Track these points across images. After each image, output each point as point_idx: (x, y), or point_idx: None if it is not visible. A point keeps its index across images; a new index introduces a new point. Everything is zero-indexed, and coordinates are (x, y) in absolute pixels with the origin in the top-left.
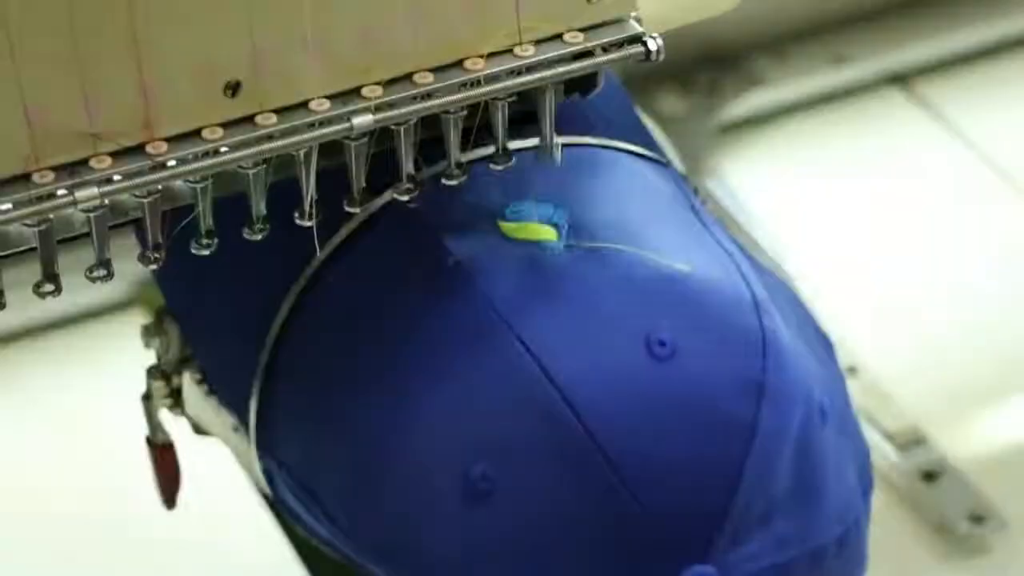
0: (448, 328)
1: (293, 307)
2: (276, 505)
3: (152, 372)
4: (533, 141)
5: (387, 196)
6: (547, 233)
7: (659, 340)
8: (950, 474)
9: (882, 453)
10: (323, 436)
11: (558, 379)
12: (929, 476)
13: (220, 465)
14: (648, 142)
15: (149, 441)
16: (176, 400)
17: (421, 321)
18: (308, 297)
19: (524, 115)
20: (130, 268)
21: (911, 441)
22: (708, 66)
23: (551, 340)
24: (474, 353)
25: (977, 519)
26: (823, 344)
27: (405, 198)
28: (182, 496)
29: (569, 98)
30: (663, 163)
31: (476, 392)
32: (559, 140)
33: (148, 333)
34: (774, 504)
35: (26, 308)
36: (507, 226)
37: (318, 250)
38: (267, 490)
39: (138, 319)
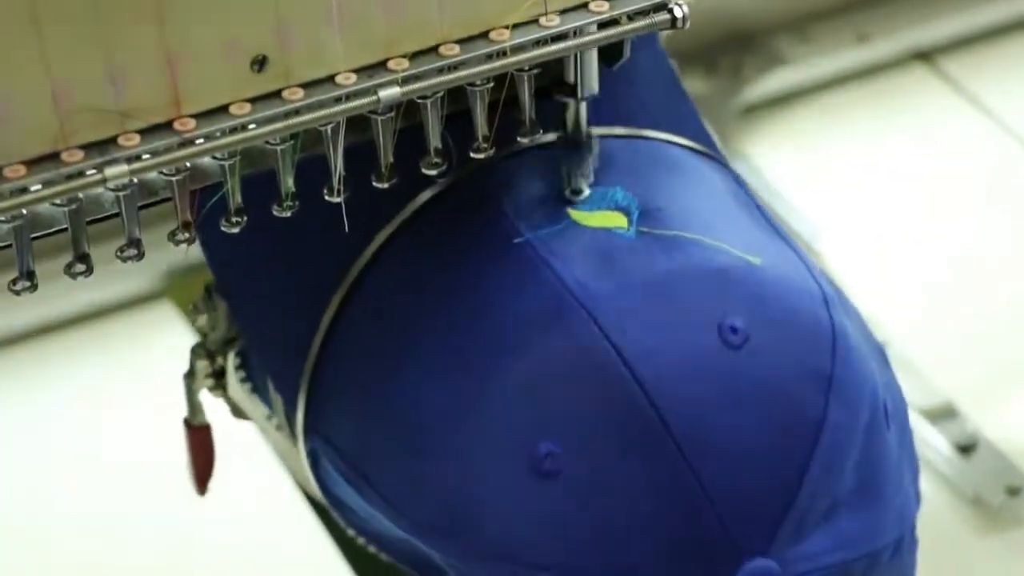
0: (519, 306)
1: (353, 283)
2: (320, 497)
3: (196, 351)
4: (606, 130)
5: (445, 179)
6: (618, 220)
7: (731, 327)
8: (984, 447)
9: (916, 428)
10: (380, 414)
11: (631, 361)
12: (964, 449)
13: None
14: (708, 140)
15: (186, 422)
16: (218, 381)
17: (490, 299)
18: (368, 273)
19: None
20: (158, 259)
21: (944, 415)
22: (731, 47)
23: (625, 322)
24: (546, 332)
25: (1013, 491)
26: (878, 353)
27: (432, 172)
28: (213, 483)
29: (611, 69)
30: (722, 162)
31: (547, 370)
32: (625, 131)
33: (197, 309)
34: (838, 501)
35: (48, 304)
36: (577, 213)
37: (346, 226)
38: (310, 479)
39: (166, 311)
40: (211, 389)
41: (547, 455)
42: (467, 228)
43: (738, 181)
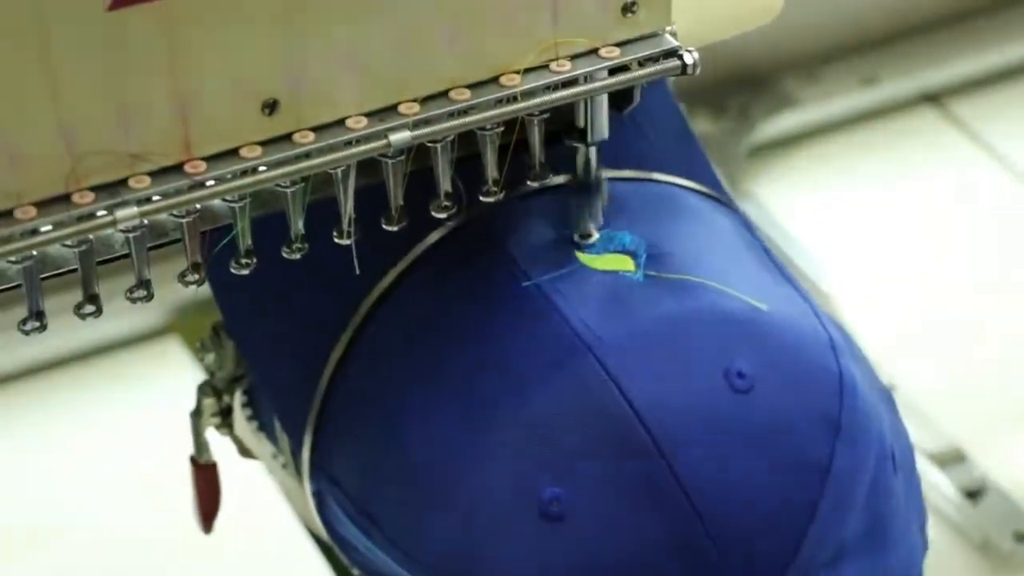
0: (525, 349)
1: (360, 323)
2: (326, 536)
3: (203, 388)
4: (615, 172)
5: (454, 221)
6: (626, 263)
7: (738, 372)
8: (993, 492)
9: (923, 473)
10: (386, 455)
11: (637, 405)
12: (972, 495)
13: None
14: (716, 184)
15: (193, 460)
16: (224, 419)
17: (497, 342)
18: (375, 314)
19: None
20: (165, 295)
21: (952, 459)
22: (740, 88)
23: (631, 365)
24: (554, 375)
25: (1022, 537)
26: (885, 398)
27: (442, 215)
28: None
29: (618, 114)
30: (731, 206)
31: (554, 414)
32: (633, 174)
33: (204, 347)
34: (844, 547)
35: (56, 338)
36: (585, 256)
37: (356, 268)
38: (315, 518)
39: (173, 346)
40: (217, 427)
41: (553, 499)
42: (474, 270)
43: (746, 225)
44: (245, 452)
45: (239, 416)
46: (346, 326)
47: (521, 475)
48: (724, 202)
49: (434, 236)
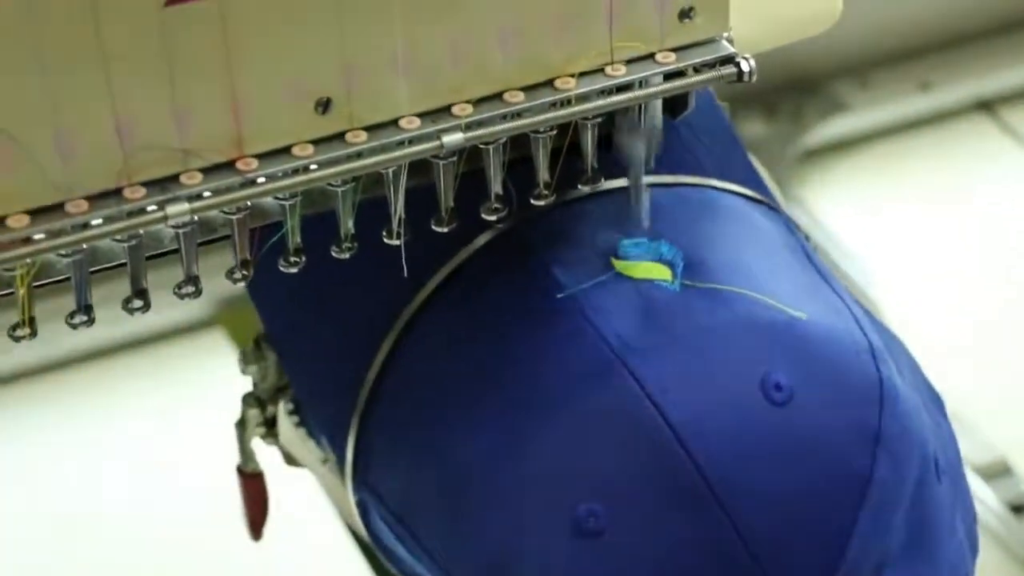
0: (560, 362)
1: (400, 333)
2: (370, 542)
3: (247, 399)
4: (654, 178)
5: (494, 230)
6: (662, 272)
7: (775, 384)
8: None
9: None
10: (424, 467)
11: (672, 419)
12: (1018, 509)
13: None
14: (759, 185)
15: (239, 470)
16: (270, 429)
17: (533, 354)
18: (416, 323)
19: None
20: (212, 288)
21: (999, 473)
22: (792, 91)
23: (666, 379)
24: (587, 389)
25: None
26: (934, 399)
27: (492, 218)
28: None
29: (671, 120)
30: (774, 208)
31: (588, 429)
32: (671, 179)
33: (246, 360)
34: (887, 557)
35: (103, 328)
36: (621, 264)
37: (404, 270)
38: (360, 525)
39: (219, 338)
40: (263, 437)
41: (590, 515)
42: (511, 280)
43: (789, 227)
44: (291, 461)
45: (284, 425)
46: (386, 335)
47: (557, 490)
48: (767, 203)
49: (478, 242)
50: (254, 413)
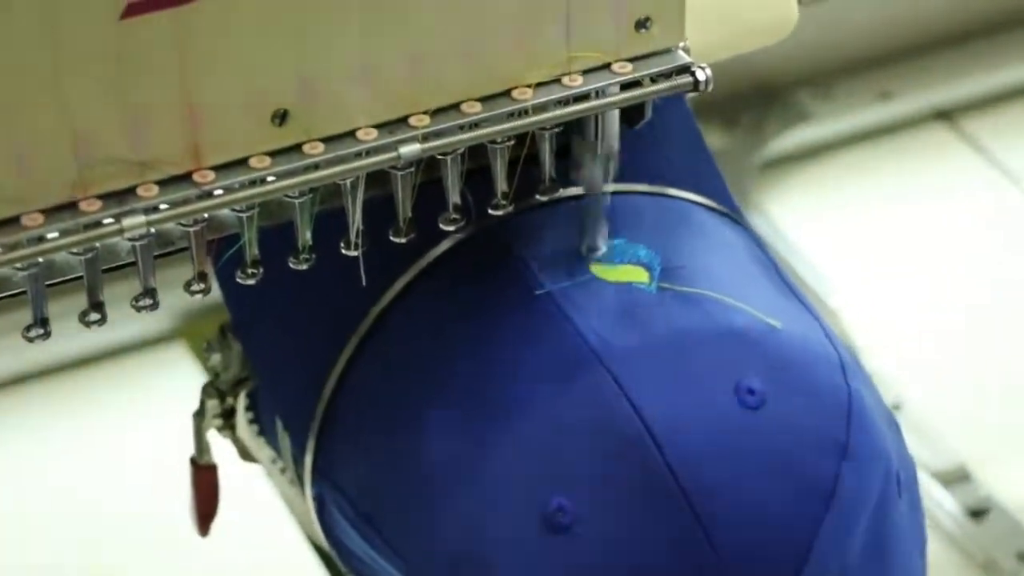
0: (537, 359)
1: (369, 329)
2: (324, 542)
3: (207, 389)
4: (630, 186)
5: (466, 230)
6: (639, 275)
7: (748, 388)
8: (997, 511)
9: (928, 491)
10: (391, 461)
11: (647, 417)
12: (976, 514)
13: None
14: (729, 199)
15: (193, 461)
16: (227, 421)
17: (508, 350)
18: (385, 320)
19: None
20: (172, 301)
21: (957, 478)
22: (754, 102)
23: (643, 378)
24: (563, 384)
25: None
26: (890, 422)
27: (451, 228)
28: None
29: (633, 129)
30: (743, 224)
31: (562, 423)
32: (648, 188)
33: (211, 347)
34: (847, 568)
35: (67, 341)
36: (599, 267)
37: (363, 279)
38: (315, 520)
39: (179, 352)
40: (219, 429)
41: (559, 509)
42: (488, 278)
43: (758, 243)
44: (246, 455)
45: (242, 419)
46: (354, 331)
47: (527, 484)
48: (736, 219)
49: (444, 245)
50: (213, 404)
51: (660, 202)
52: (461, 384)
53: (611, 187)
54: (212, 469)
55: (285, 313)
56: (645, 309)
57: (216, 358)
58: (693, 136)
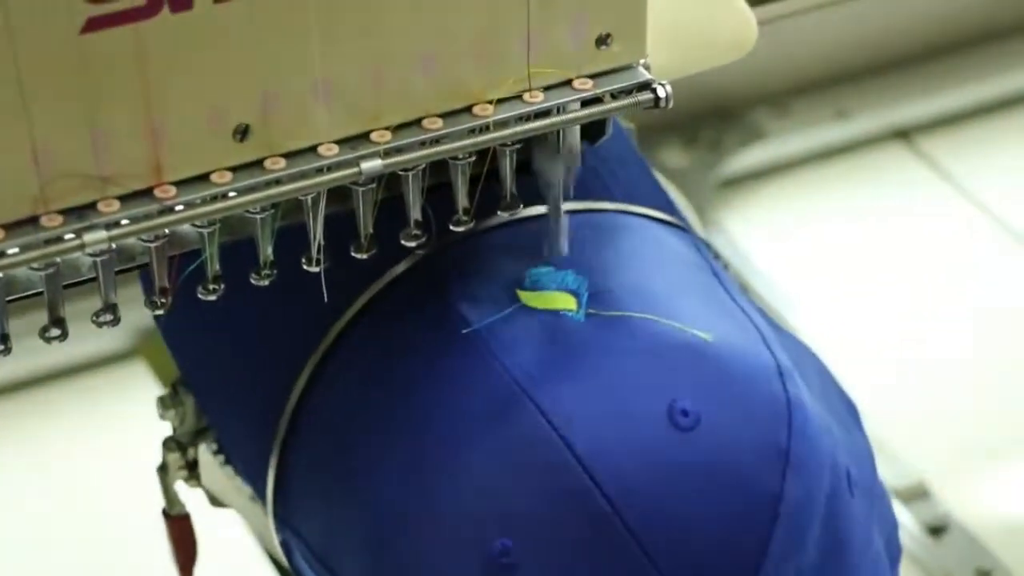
0: (466, 399)
1: (310, 376)
2: None
3: (168, 444)
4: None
5: (402, 265)
6: (566, 302)
7: (682, 410)
8: (956, 529)
9: None
10: (341, 509)
11: (579, 449)
12: (935, 531)
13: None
14: (667, 206)
15: (165, 513)
16: (192, 472)
17: (441, 393)
18: (326, 365)
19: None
20: (132, 318)
21: (916, 495)
22: (711, 120)
23: (572, 411)
24: (494, 424)
25: (983, 574)
26: (848, 409)
27: (412, 244)
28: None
29: (590, 146)
30: (682, 228)
31: (497, 465)
32: (577, 205)
33: (164, 405)
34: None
35: (28, 358)
36: (526, 295)
37: (324, 295)
38: (285, 563)
39: (139, 369)
40: (185, 480)
41: (503, 552)
42: (421, 315)
43: (697, 246)
44: (216, 502)
45: (207, 467)
46: (300, 373)
47: (470, 528)
48: (673, 223)
49: (391, 273)
50: (175, 457)
51: (590, 218)
52: (400, 430)
53: (536, 210)
54: (186, 518)
55: (232, 360)
56: (572, 338)
57: (171, 414)
58: (621, 145)
